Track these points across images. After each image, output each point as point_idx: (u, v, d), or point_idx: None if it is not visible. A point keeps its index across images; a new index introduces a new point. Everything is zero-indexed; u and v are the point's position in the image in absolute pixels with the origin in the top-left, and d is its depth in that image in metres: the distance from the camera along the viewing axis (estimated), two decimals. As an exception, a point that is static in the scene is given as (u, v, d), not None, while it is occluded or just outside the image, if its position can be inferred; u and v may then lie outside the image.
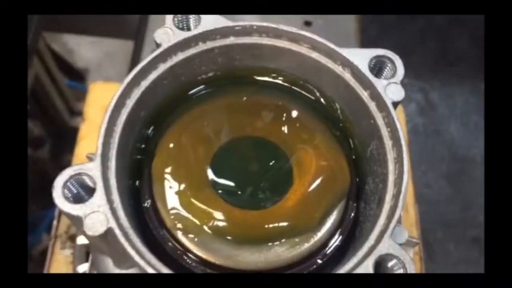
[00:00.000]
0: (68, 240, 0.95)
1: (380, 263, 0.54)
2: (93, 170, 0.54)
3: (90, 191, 0.54)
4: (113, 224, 0.52)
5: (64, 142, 1.75)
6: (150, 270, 0.51)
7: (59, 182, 0.53)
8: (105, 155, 0.57)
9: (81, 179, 0.54)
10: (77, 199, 0.54)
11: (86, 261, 0.84)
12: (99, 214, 0.52)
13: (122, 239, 0.52)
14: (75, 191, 0.54)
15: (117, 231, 0.52)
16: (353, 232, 0.65)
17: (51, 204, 1.01)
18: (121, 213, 0.54)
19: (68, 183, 0.54)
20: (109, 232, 0.52)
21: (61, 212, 0.96)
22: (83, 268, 0.83)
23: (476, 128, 1.83)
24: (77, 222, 0.53)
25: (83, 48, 2.04)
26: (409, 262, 0.53)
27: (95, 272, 0.77)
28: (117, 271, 0.64)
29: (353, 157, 0.68)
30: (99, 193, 0.53)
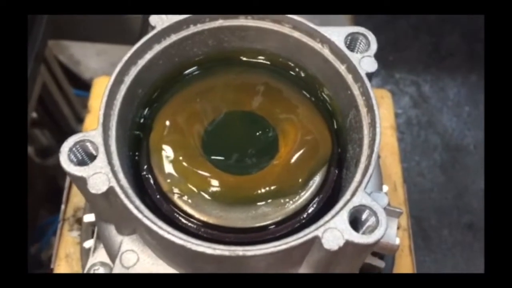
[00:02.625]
0: (76, 223, 1.01)
1: (356, 216, 0.60)
2: (95, 137, 0.61)
3: (93, 157, 0.61)
4: (114, 183, 0.58)
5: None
6: (148, 222, 0.57)
7: (65, 148, 0.59)
8: (106, 125, 0.63)
9: (85, 145, 0.61)
10: (81, 163, 0.60)
11: (92, 237, 0.90)
12: (101, 175, 0.59)
13: (122, 196, 0.58)
14: (80, 157, 0.61)
15: (118, 189, 0.58)
16: (335, 196, 0.71)
17: (60, 210, 1.06)
18: (121, 175, 0.60)
19: (74, 149, 0.60)
20: (110, 191, 0.58)
21: (68, 197, 1.03)
22: (89, 243, 0.89)
23: (468, 118, 1.89)
24: (81, 183, 0.59)
25: (89, 59, 2.11)
26: (379, 211, 0.58)
27: (100, 245, 0.83)
28: (119, 238, 0.70)
29: (335, 127, 0.74)
30: (101, 156, 0.60)
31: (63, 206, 1.02)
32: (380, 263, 0.92)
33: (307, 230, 0.58)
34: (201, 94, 0.73)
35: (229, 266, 0.61)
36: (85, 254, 0.93)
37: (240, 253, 0.56)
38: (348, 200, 0.60)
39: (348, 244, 0.57)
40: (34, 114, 1.68)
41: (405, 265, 1.02)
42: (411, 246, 1.07)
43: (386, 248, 0.75)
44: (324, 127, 0.72)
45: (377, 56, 0.69)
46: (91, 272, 0.81)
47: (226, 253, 0.56)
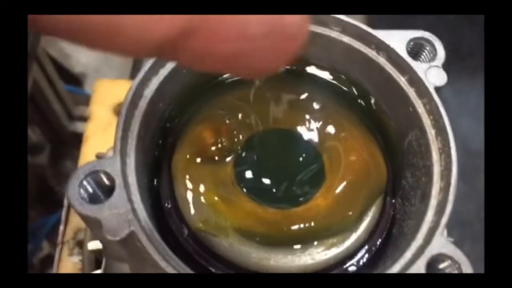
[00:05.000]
0: (76, 246, 0.90)
1: (430, 263, 0.49)
2: (111, 166, 0.49)
3: (108, 191, 0.49)
4: (136, 227, 0.46)
5: (63, 147, 1.70)
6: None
7: (74, 181, 0.47)
8: (123, 150, 0.51)
9: (99, 177, 0.49)
10: (94, 200, 0.48)
11: (97, 268, 0.79)
12: (119, 216, 0.47)
13: (146, 244, 0.46)
14: (91, 191, 0.49)
15: (141, 236, 0.46)
16: (391, 231, 0.60)
17: (51, 211, 0.95)
18: (142, 214, 0.49)
19: (84, 182, 0.48)
20: (130, 235, 0.47)
21: (68, 216, 0.92)
22: (95, 276, 0.77)
23: (489, 123, 1.78)
24: (94, 225, 0.48)
25: (80, 53, 2.00)
26: (466, 264, 0.47)
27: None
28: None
29: (388, 150, 0.63)
30: (119, 191, 0.48)
31: (61, 227, 0.91)
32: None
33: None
34: (231, 109, 0.62)
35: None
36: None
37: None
38: (423, 246, 0.49)
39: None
40: (24, 111, 1.57)
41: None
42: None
43: None
44: (376, 149, 0.61)
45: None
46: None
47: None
